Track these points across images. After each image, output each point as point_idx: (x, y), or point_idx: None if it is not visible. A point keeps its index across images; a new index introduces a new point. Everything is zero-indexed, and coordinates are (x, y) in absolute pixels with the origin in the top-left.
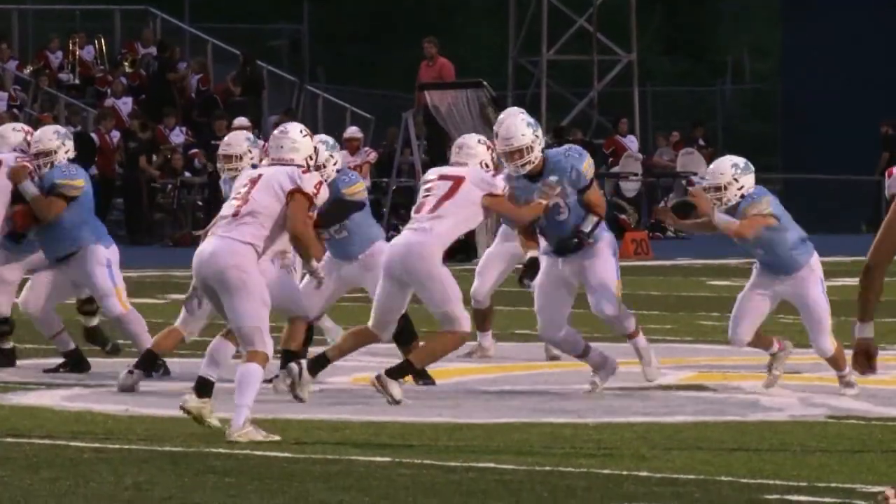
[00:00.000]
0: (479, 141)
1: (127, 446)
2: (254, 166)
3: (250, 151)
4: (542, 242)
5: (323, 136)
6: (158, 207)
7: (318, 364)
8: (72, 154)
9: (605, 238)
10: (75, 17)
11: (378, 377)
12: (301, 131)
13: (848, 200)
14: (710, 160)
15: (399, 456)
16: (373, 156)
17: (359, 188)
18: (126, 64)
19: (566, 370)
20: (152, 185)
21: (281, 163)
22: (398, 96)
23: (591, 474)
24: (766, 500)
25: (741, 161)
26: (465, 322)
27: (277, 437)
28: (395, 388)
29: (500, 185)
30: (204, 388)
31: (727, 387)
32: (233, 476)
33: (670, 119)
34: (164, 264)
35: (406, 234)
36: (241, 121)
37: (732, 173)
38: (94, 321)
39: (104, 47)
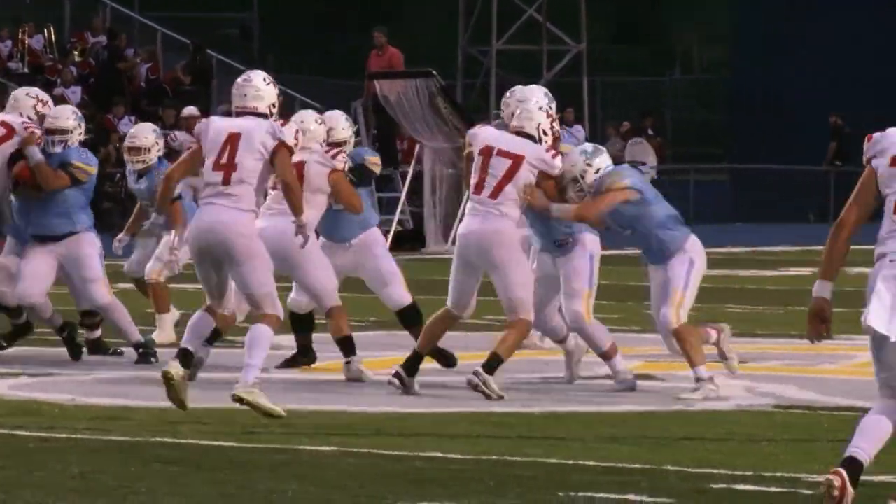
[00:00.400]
0: (539, 107)
1: (73, 436)
2: (160, 160)
3: (157, 143)
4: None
5: (342, 113)
6: (107, 196)
7: (414, 362)
8: (83, 137)
9: (584, 239)
10: (24, 5)
11: (475, 374)
12: (265, 79)
13: (796, 190)
14: (658, 150)
15: (346, 446)
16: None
17: (378, 160)
18: (75, 53)
19: (513, 360)
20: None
21: (245, 111)
22: (348, 85)
23: (537, 463)
24: (712, 489)
25: (589, 146)
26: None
27: (282, 412)
28: (491, 383)
29: (557, 165)
30: (185, 358)
31: (674, 376)
32: (179, 465)
33: (620, 109)
34: (112, 253)
35: (476, 221)
36: (191, 110)
37: (584, 160)
38: (97, 333)
39: (53, 36)
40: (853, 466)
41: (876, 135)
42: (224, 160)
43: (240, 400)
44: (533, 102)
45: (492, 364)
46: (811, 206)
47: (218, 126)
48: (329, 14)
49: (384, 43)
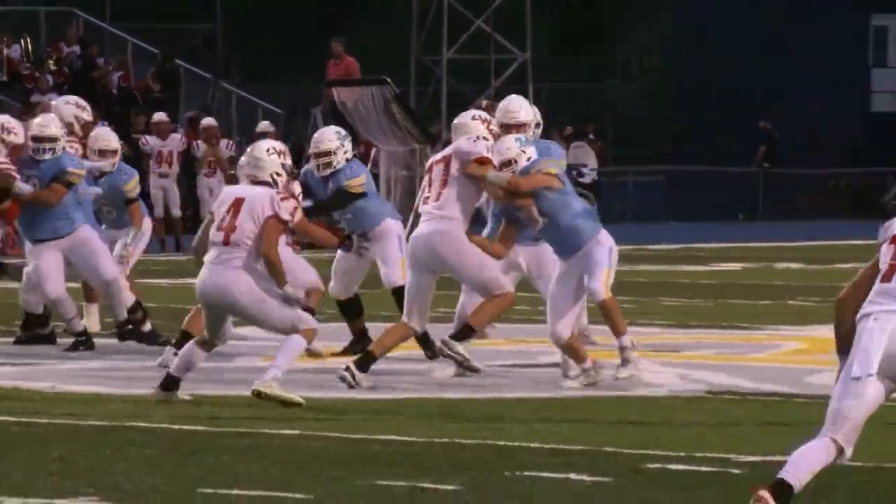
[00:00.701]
0: (472, 117)
1: (53, 421)
2: (84, 157)
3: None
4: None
5: (336, 128)
6: None
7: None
8: (67, 146)
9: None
10: (2, 19)
11: (443, 341)
12: (268, 150)
13: (727, 191)
14: (599, 153)
15: (308, 430)
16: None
17: (360, 181)
18: (51, 62)
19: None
20: None
21: (253, 180)
22: (308, 92)
23: (486, 445)
24: (647, 469)
25: (522, 136)
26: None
27: (300, 401)
28: (459, 347)
29: (480, 148)
30: (171, 385)
31: (615, 364)
32: (152, 448)
33: (563, 114)
34: None
35: (423, 226)
36: (160, 115)
37: (519, 146)
38: (147, 326)
39: (30, 46)
40: (782, 488)
41: (887, 223)
42: (225, 222)
43: (258, 394)
44: (468, 116)
45: (465, 333)
46: (741, 206)
47: (227, 191)
48: (290, 25)
49: (341, 52)
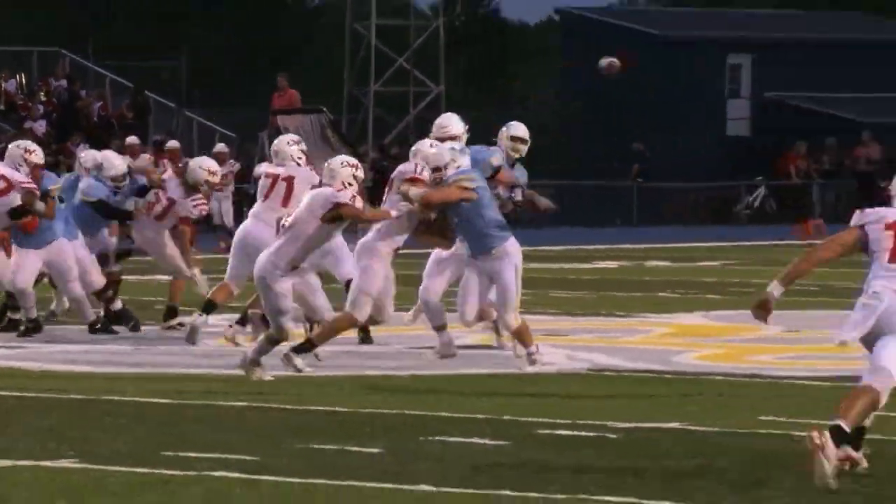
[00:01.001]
0: (430, 144)
1: (41, 395)
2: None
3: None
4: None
5: (451, 144)
6: None
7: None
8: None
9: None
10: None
11: (286, 355)
12: (342, 163)
13: (607, 201)
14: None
15: (254, 402)
16: (237, 167)
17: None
18: (42, 94)
19: (386, 334)
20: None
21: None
22: (256, 119)
23: (403, 414)
24: (540, 434)
25: (458, 145)
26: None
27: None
28: (298, 361)
29: (411, 167)
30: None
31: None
32: (125, 419)
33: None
34: None
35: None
36: (132, 139)
37: (451, 156)
38: (118, 304)
39: (24, 80)
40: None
41: (867, 210)
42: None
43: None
44: (426, 143)
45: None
46: (618, 214)
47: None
48: (242, 62)
49: (285, 86)
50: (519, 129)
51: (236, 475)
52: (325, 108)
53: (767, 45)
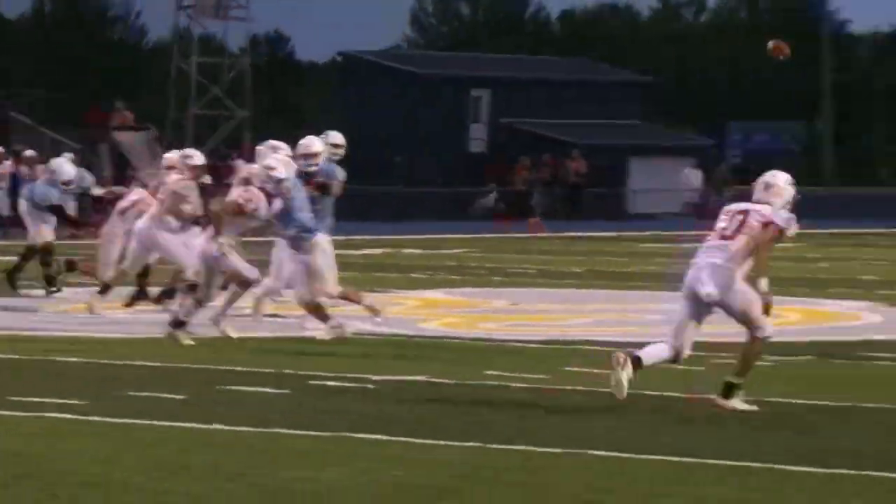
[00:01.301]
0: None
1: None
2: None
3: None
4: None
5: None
6: None
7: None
8: None
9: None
10: None
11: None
12: None
13: (376, 205)
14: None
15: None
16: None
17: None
18: None
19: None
20: None
21: None
22: (99, 134)
23: (206, 368)
24: (314, 384)
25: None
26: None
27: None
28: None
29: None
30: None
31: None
32: (82, 377)
33: None
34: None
35: None
36: None
37: (275, 164)
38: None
39: None
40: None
41: (735, 204)
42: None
43: None
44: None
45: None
46: (385, 213)
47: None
48: (89, 89)
49: (122, 108)
50: (336, 137)
51: (68, 416)
52: (152, 127)
53: (503, 82)
